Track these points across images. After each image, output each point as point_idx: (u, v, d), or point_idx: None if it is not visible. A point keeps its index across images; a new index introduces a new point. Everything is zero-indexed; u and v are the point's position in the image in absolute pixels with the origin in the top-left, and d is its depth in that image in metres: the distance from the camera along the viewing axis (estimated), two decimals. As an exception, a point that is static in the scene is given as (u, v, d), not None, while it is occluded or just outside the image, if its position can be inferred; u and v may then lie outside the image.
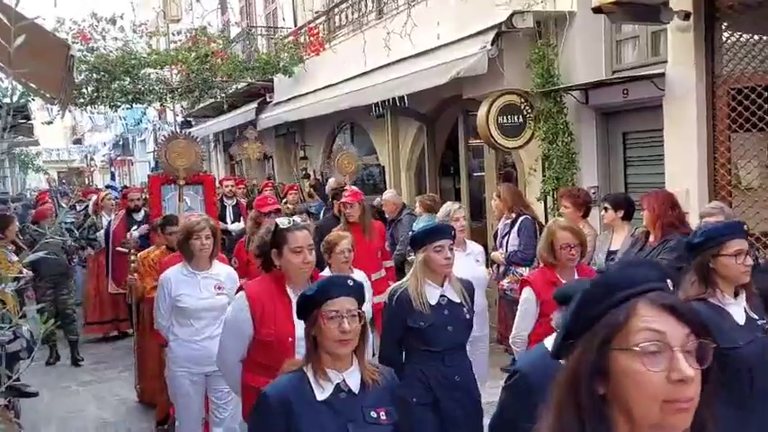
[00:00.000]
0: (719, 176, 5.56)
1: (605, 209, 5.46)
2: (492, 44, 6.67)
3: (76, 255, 8.51)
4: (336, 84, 10.17)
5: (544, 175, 6.91)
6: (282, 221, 3.20)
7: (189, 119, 17.62)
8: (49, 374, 7.65)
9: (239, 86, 13.02)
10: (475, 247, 5.34)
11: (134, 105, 13.55)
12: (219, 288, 4.36)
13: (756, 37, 5.32)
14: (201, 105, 15.05)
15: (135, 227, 7.46)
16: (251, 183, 9.25)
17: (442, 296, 3.55)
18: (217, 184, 8.88)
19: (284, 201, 9.65)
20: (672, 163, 5.82)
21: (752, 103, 5.23)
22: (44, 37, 4.41)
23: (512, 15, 6.59)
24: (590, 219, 5.81)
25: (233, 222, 9.37)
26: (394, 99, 8.25)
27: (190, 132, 6.31)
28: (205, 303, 4.33)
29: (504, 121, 6.87)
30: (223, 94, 12.94)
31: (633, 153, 6.62)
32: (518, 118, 6.91)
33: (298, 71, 11.51)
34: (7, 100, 13.62)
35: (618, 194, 5.88)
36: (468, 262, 4.92)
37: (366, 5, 10.06)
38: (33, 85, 5.53)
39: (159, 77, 12.23)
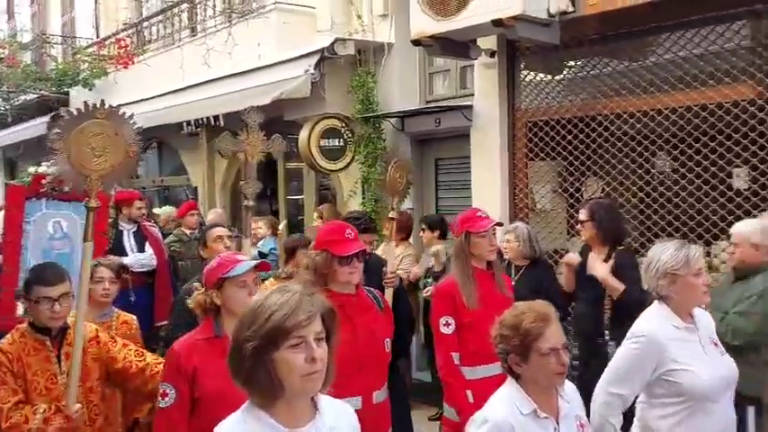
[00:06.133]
0: (518, 200, 6.17)
1: (423, 230, 5.85)
2: (315, 68, 6.86)
3: None
4: (147, 99, 9.73)
5: (363, 198, 7.18)
6: None
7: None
8: None
9: (29, 98, 12.00)
10: None
11: None
12: None
13: (549, 76, 6.03)
14: (-20, 117, 13.61)
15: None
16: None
17: None
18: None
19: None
20: (478, 187, 6.34)
21: (545, 135, 5.89)
22: None
23: (334, 42, 6.84)
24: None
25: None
26: (209, 117, 8.08)
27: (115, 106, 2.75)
28: None
29: (326, 144, 7.08)
30: (8, 106, 11.86)
31: (445, 178, 7.12)
32: (339, 141, 7.16)
33: (100, 84, 10.86)
34: None
35: (434, 216, 6.30)
36: None
37: (180, 21, 9.79)
38: None
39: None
